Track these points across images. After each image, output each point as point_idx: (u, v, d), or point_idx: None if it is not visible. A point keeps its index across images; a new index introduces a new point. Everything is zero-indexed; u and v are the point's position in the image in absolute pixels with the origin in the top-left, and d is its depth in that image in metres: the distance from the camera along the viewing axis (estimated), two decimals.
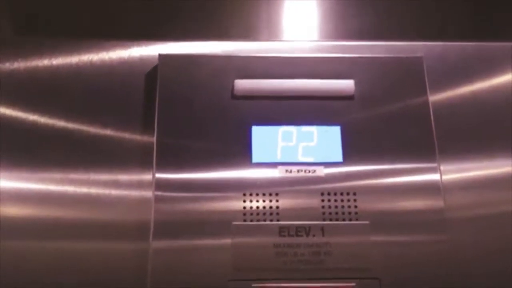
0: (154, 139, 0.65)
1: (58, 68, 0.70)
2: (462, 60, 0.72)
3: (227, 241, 0.61)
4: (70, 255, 0.62)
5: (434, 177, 0.65)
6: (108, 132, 0.67)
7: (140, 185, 0.65)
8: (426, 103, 0.68)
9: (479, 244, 0.64)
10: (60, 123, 0.67)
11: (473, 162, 0.68)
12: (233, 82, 0.67)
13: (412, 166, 0.65)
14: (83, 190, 0.64)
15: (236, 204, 0.63)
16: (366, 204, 0.63)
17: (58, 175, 0.65)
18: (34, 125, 0.67)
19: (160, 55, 0.69)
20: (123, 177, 0.65)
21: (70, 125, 0.67)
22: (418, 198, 0.64)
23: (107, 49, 0.71)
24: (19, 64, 0.69)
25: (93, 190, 0.64)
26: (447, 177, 0.66)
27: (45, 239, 0.62)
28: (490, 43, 0.74)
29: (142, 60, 0.70)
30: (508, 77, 0.72)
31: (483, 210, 0.66)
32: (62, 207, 0.64)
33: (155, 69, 0.69)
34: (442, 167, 0.66)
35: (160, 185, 0.63)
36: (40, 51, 0.70)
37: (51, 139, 0.67)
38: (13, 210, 0.63)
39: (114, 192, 0.64)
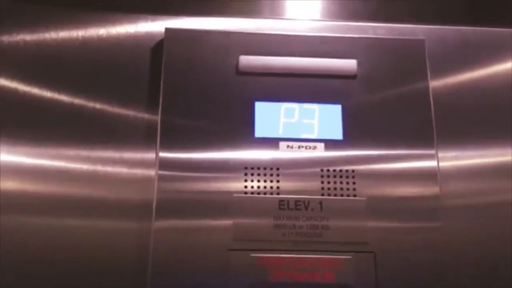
0: (159, 117, 0.65)
1: (64, 41, 0.70)
2: (463, 44, 0.73)
3: (229, 213, 0.62)
4: (71, 232, 0.62)
5: (431, 163, 0.66)
6: (113, 108, 0.67)
7: (144, 163, 0.65)
8: (427, 86, 0.69)
9: (473, 232, 0.65)
10: (65, 98, 0.67)
11: (472, 150, 0.68)
12: (237, 58, 0.69)
13: (409, 151, 0.66)
14: (87, 166, 0.64)
15: (238, 177, 0.64)
16: (364, 182, 0.65)
17: (60, 151, 0.65)
18: (38, 99, 0.67)
19: (167, 29, 0.70)
20: (128, 154, 0.65)
21: (76, 100, 0.67)
22: (414, 182, 0.65)
23: (113, 22, 0.71)
24: (25, 36, 0.69)
25: (97, 167, 0.64)
26: (445, 163, 0.67)
27: (46, 215, 0.62)
28: (491, 29, 0.74)
29: (148, 35, 0.71)
30: (508, 65, 0.72)
31: (480, 199, 0.67)
32: (64, 183, 0.64)
33: (161, 43, 0.70)
34: (440, 154, 0.67)
35: (164, 164, 0.64)
36: (46, 23, 0.70)
37: (55, 113, 0.66)
38: (13, 185, 0.63)
39: (118, 170, 0.65)
